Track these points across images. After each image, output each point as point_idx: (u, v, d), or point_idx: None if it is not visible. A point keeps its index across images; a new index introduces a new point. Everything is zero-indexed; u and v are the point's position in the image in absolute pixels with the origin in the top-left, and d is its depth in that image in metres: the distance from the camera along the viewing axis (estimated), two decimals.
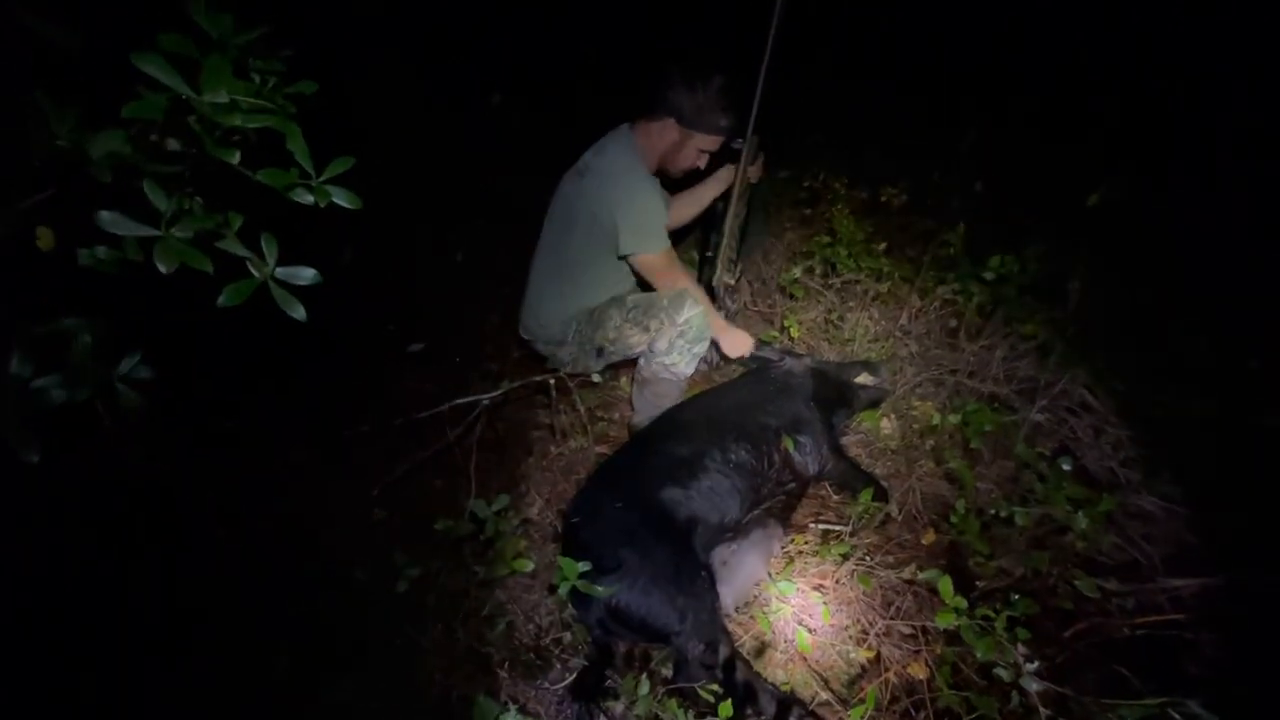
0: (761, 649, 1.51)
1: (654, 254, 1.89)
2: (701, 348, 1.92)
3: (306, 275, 0.63)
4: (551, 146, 2.08)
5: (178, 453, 1.65)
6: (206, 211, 0.60)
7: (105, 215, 0.53)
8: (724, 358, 2.09)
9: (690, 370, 1.96)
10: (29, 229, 0.59)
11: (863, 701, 1.31)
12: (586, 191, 1.84)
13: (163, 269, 0.55)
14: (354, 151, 0.70)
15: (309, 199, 0.62)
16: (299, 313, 0.63)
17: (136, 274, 0.73)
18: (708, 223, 2.15)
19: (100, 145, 0.55)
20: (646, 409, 2.01)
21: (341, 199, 0.64)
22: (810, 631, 1.52)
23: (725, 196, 2.06)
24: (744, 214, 2.07)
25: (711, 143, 1.86)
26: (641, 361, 1.97)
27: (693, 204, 2.18)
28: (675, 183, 2.07)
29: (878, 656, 1.47)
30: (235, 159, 0.58)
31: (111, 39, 0.53)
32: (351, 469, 1.83)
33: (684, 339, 1.88)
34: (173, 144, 0.58)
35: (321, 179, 0.63)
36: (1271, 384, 1.78)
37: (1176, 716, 1.10)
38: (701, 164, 1.93)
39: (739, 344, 2.04)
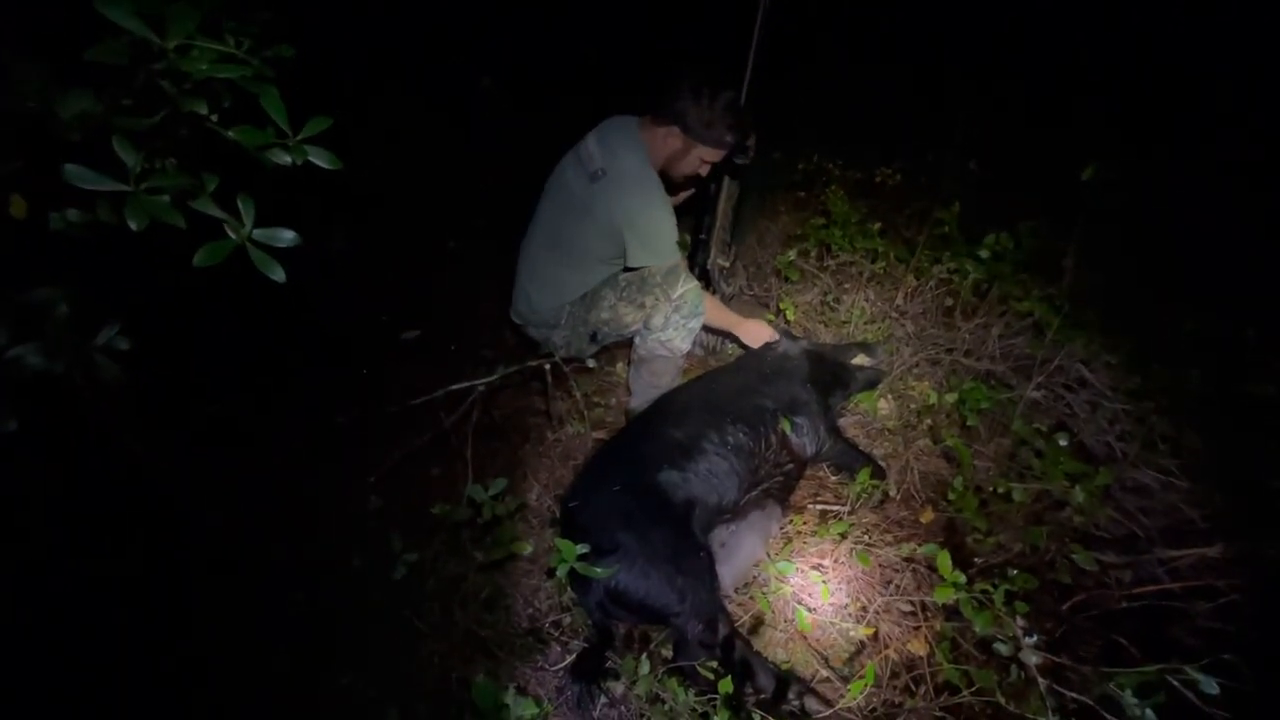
0: (761, 628, 1.51)
1: (666, 263, 1.87)
2: (697, 323, 1.91)
3: (286, 237, 0.62)
4: (543, 135, 2.06)
5: (174, 443, 1.64)
6: (180, 171, 0.58)
7: (72, 169, 0.52)
8: (744, 348, 2.08)
9: (686, 346, 1.94)
10: (2, 198, 0.57)
11: (862, 678, 1.30)
12: (601, 196, 1.79)
13: (134, 226, 0.53)
14: (350, 143, 0.69)
15: (286, 159, 0.61)
16: (278, 274, 0.62)
17: (122, 250, 0.71)
18: (700, 205, 2.13)
19: (70, 105, 0.53)
20: (644, 391, 2.00)
21: (319, 159, 0.63)
22: (810, 610, 1.52)
23: (717, 178, 2.04)
24: (736, 195, 2.05)
25: (715, 155, 1.83)
26: (637, 340, 1.96)
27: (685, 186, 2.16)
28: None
29: (877, 633, 1.47)
30: (204, 109, 0.57)
31: None
32: (347, 457, 1.83)
33: (679, 314, 1.87)
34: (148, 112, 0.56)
35: (299, 138, 0.62)
36: (1265, 354, 1.78)
37: (1174, 683, 1.10)
38: (704, 172, 1.91)
39: (760, 333, 2.03)
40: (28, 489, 1.10)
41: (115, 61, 0.51)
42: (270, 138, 0.60)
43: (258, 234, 0.61)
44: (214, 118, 0.58)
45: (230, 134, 0.59)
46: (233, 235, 0.60)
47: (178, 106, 0.56)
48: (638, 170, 1.78)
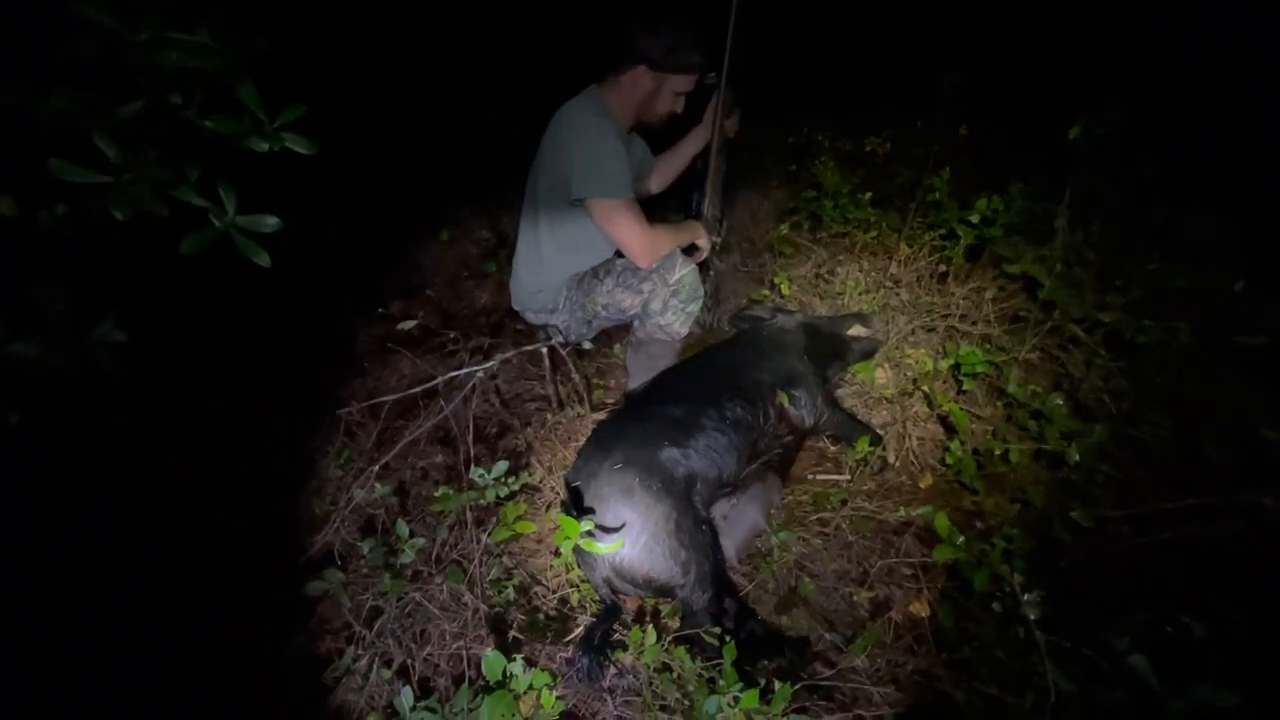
0: (765, 597, 1.54)
1: (611, 200, 1.73)
2: (695, 306, 1.92)
3: (269, 223, 0.64)
4: (534, 126, 2.06)
5: (176, 437, 1.66)
6: (161, 163, 0.60)
7: (56, 162, 0.53)
8: (706, 254, 2.04)
9: (685, 330, 1.96)
10: None
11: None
12: (547, 144, 1.82)
13: (118, 216, 0.55)
14: (343, 133, 0.70)
15: (263, 145, 0.62)
16: (263, 259, 0.63)
17: (117, 246, 0.73)
18: (688, 182, 2.13)
19: (51, 103, 0.55)
20: (642, 372, 2.02)
21: (296, 145, 0.64)
22: (812, 577, 1.55)
23: (705, 154, 2.04)
24: (724, 169, 2.05)
25: (686, 83, 1.81)
26: (636, 324, 1.97)
27: (673, 163, 2.16)
28: (655, 137, 2.05)
29: (880, 597, 1.50)
30: (179, 99, 0.58)
31: None
32: (350, 446, 1.85)
33: (677, 298, 1.88)
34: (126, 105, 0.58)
35: (275, 125, 0.63)
36: (1252, 305, 1.78)
37: (1169, 630, 1.12)
38: (679, 108, 1.89)
39: (696, 233, 1.98)
40: (30, 481, 1.11)
41: (85, 57, 0.52)
42: (247, 126, 0.62)
43: (241, 220, 0.62)
44: (187, 107, 0.59)
45: (208, 123, 0.60)
46: (217, 223, 0.61)
47: (154, 99, 0.57)
48: (580, 113, 1.79)
